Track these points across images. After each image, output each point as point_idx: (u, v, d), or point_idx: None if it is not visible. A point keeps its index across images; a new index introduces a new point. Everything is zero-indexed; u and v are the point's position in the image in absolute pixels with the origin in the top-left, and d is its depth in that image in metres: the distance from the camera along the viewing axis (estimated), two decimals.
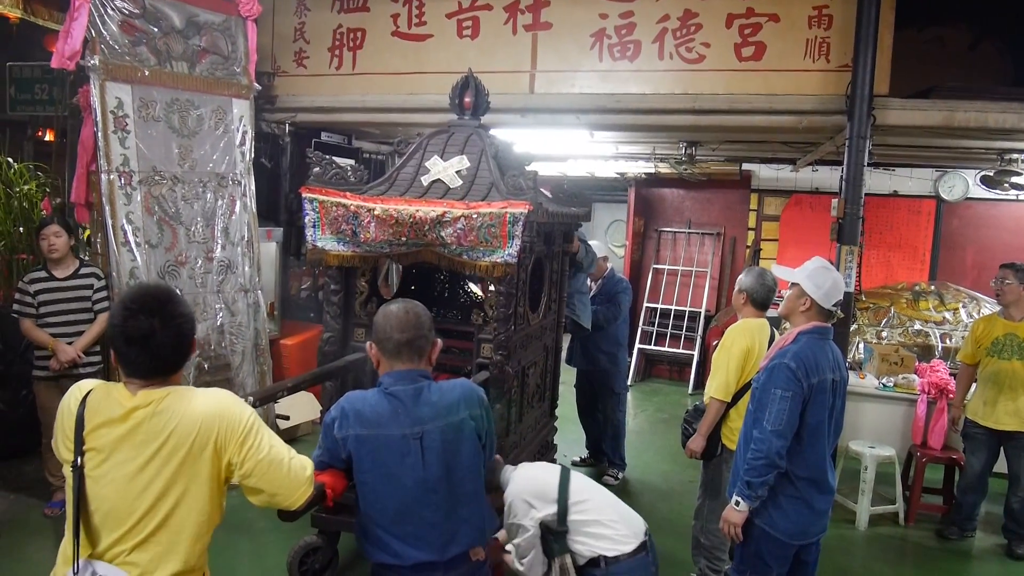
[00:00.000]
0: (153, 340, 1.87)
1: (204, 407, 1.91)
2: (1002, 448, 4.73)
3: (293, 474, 2.01)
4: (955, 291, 7.39)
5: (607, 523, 2.79)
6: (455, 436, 2.30)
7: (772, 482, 2.89)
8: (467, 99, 3.92)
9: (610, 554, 2.73)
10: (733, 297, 4.04)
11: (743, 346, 3.74)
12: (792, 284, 3.05)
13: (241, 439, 1.92)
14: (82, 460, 1.87)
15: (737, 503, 2.94)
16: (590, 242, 5.57)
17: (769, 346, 3.55)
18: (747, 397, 3.55)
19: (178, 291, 4.00)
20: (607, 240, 11.19)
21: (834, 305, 3.00)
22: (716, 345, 9.11)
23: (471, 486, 2.36)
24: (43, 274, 4.41)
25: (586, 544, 2.76)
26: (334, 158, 3.77)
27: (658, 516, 5.05)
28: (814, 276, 2.98)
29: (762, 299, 3.81)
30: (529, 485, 2.84)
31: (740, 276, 3.93)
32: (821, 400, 2.90)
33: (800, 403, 2.86)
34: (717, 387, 3.76)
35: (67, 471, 1.92)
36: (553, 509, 2.76)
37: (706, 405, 3.84)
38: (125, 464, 1.86)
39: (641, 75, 5.38)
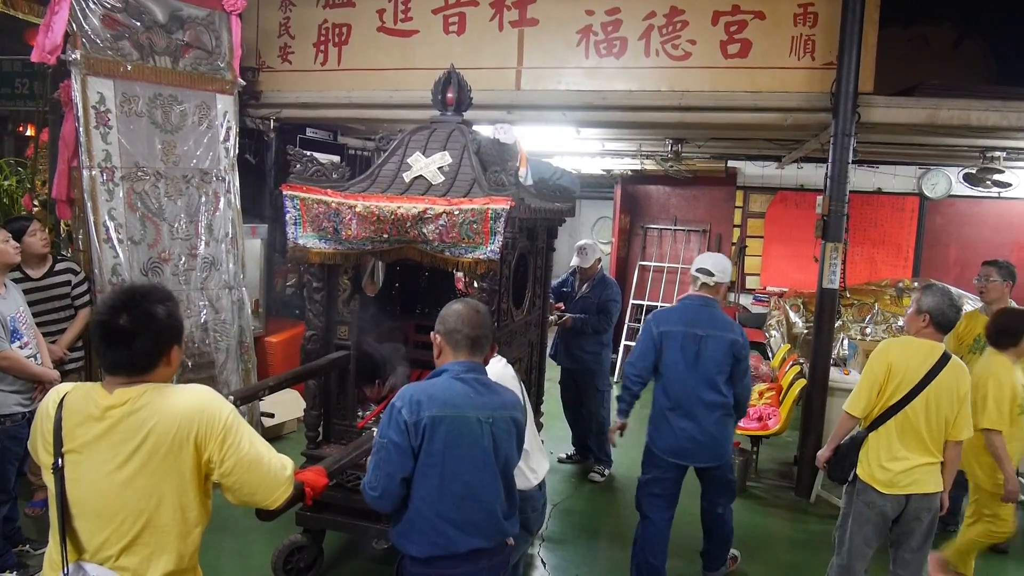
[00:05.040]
0: (128, 337, 1.86)
1: (183, 404, 1.89)
2: None
3: (273, 473, 1.99)
4: None
5: (534, 458, 2.96)
6: (512, 430, 2.43)
7: (634, 395, 3.86)
8: (449, 95, 3.89)
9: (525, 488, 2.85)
10: (909, 319, 3.33)
11: (886, 361, 3.22)
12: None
13: (221, 436, 1.90)
14: (62, 462, 1.85)
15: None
16: (587, 242, 5.59)
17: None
18: (890, 425, 3.21)
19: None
20: (593, 237, 11.19)
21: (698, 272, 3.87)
22: None
23: (514, 480, 2.48)
24: (18, 274, 4.34)
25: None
26: (315, 154, 3.74)
27: None
28: (703, 261, 3.89)
29: (947, 323, 3.22)
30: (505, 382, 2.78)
31: (918, 295, 3.29)
32: (672, 345, 3.73)
33: (653, 346, 3.76)
34: (848, 400, 3.34)
35: (47, 476, 1.90)
36: None
37: None
38: (104, 464, 1.84)
39: (627, 72, 5.38)
